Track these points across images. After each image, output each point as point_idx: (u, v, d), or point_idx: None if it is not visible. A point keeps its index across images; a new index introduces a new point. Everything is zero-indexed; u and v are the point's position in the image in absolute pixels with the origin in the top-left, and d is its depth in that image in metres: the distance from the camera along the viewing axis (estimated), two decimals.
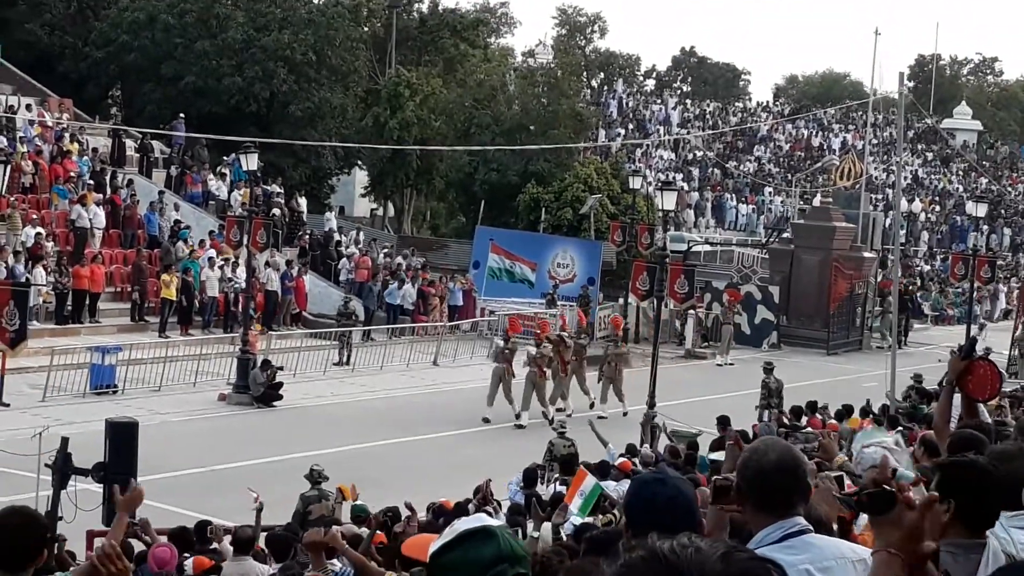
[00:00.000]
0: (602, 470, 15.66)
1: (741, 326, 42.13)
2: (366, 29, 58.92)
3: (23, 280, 28.08)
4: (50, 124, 39.40)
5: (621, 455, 18.09)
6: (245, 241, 31.67)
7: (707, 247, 51.14)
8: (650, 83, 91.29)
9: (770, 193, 65.17)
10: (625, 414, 27.81)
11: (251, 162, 31.16)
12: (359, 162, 56.56)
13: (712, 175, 66.64)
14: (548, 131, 49.58)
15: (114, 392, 27.67)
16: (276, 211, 39.97)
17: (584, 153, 52.80)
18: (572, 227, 46.21)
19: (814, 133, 75.33)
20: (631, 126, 71.37)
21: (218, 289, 35.24)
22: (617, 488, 14.12)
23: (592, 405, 28.50)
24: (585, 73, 73.41)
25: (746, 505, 4.23)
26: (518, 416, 27.59)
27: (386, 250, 42.80)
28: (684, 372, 36.33)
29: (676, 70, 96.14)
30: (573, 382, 29.08)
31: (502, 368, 28.14)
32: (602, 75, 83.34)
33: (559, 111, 51.47)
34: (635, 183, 42.67)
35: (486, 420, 27.43)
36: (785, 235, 47.39)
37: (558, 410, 27.84)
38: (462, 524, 3.05)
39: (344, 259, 41.54)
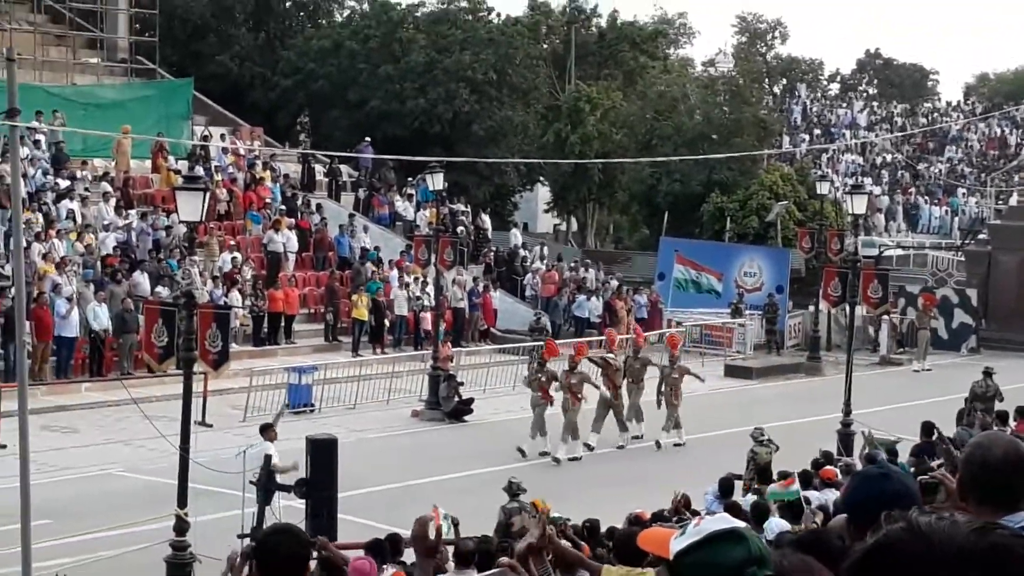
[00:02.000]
0: (804, 478, 15.36)
1: (938, 331, 40.99)
2: (545, 46, 59.24)
3: (220, 304, 28.97)
4: (242, 152, 40.58)
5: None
6: (433, 260, 32.09)
7: (899, 251, 49.91)
8: (834, 87, 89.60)
9: (963, 194, 63.27)
10: (678, 445, 26.29)
11: (437, 182, 31.53)
12: (541, 178, 56.84)
13: (902, 178, 65.05)
14: (731, 139, 49.03)
15: (311, 411, 28.30)
16: (462, 229, 40.46)
17: (769, 160, 52.09)
18: (758, 235, 45.60)
19: (1008, 131, 72.94)
20: (816, 131, 70.15)
21: (407, 308, 35.80)
22: (820, 497, 13.86)
23: (626, 437, 26.48)
24: (767, 80, 72.43)
25: (969, 500, 4.14)
26: (546, 453, 24.94)
27: (572, 264, 42.89)
28: (880, 379, 35.49)
29: (861, 73, 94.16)
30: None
31: (537, 396, 25.49)
32: (784, 81, 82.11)
33: (742, 119, 50.90)
34: (822, 188, 41.86)
35: (521, 451, 24.73)
36: (981, 236, 45.94)
37: (585, 445, 25.82)
38: (709, 524, 2.97)
39: (529, 274, 41.80)
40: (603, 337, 37.74)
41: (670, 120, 51.79)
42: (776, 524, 12.40)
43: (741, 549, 2.92)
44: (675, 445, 26.39)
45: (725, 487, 16.31)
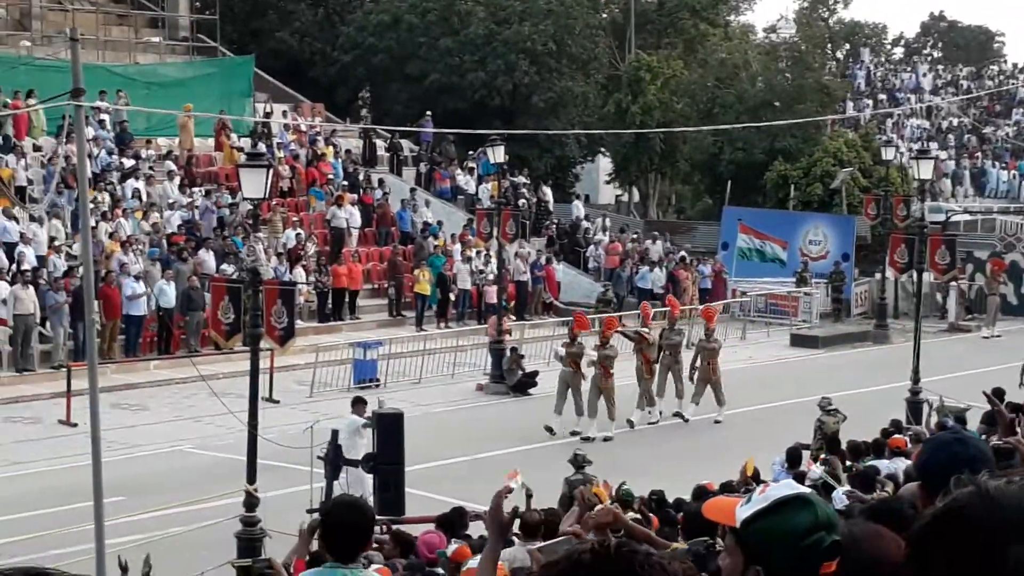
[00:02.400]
0: (876, 448, 15.23)
1: (1007, 296, 40.50)
2: (604, 15, 58.87)
3: (286, 280, 29.14)
4: (304, 129, 40.73)
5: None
6: (495, 233, 32.10)
7: (967, 216, 49.27)
8: (898, 51, 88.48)
9: None
10: (717, 422, 25.80)
11: (498, 155, 31.51)
12: (602, 149, 56.59)
13: (968, 142, 64.16)
14: (794, 106, 48.56)
15: (377, 386, 28.42)
16: (523, 202, 40.42)
17: (832, 126, 51.53)
18: (823, 203, 45.18)
19: None
20: (881, 96, 69.34)
21: (470, 282, 35.85)
22: (889, 466, 13.74)
23: (681, 412, 26.08)
24: (830, 45, 71.54)
25: None
26: (580, 432, 24.23)
27: (635, 235, 42.73)
28: (948, 346, 35.12)
29: (925, 36, 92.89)
30: (669, 382, 26.34)
31: (568, 372, 24.84)
32: (847, 46, 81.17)
33: (804, 85, 50.38)
34: (888, 154, 41.38)
35: (549, 430, 24.26)
36: None
37: (650, 419, 25.58)
38: (775, 491, 2.95)
39: (592, 246, 41.71)
40: (665, 308, 37.78)
41: (732, 88, 51.34)
42: (844, 495, 12.30)
43: (808, 514, 2.90)
44: (715, 422, 25.82)
45: (793, 457, 16.23)
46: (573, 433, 24.38)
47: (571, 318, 28.10)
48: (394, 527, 12.95)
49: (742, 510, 2.96)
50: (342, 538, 5.74)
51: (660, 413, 26.00)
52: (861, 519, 4.42)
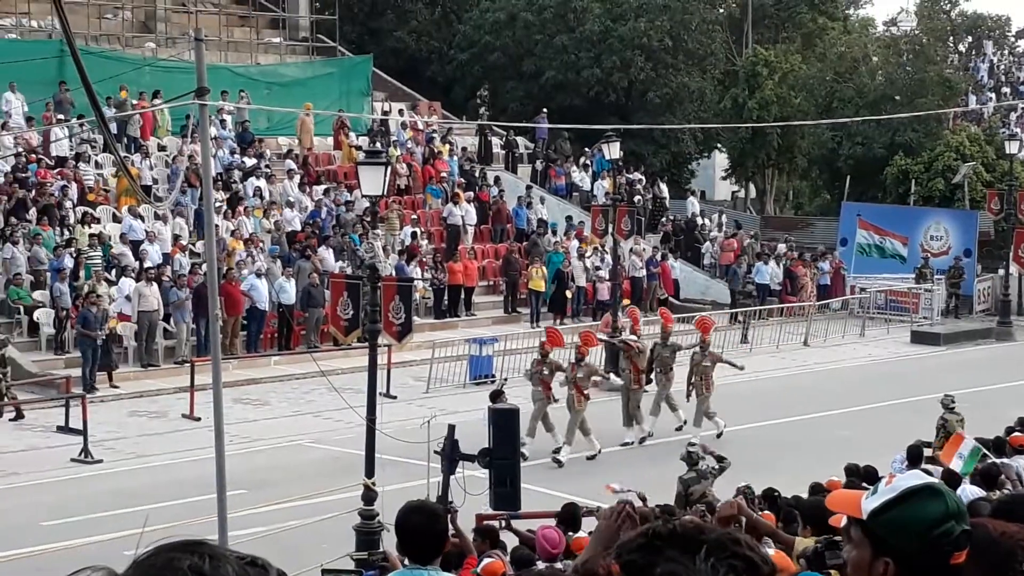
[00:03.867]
0: (996, 445, 14.94)
1: None
2: (722, 11, 58.43)
3: (404, 276, 29.41)
4: (421, 127, 41.06)
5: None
6: (610, 230, 32.05)
7: None
8: (1022, 44, 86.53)
9: None
10: (719, 435, 23.48)
11: (613, 151, 31.45)
12: (719, 145, 56.23)
13: None
14: (915, 100, 47.73)
15: (492, 382, 28.52)
16: (638, 198, 40.30)
17: (954, 120, 50.57)
18: (944, 198, 44.39)
19: None
20: (1004, 89, 67.84)
21: (585, 278, 35.84)
22: (1009, 463, 13.48)
23: (681, 427, 23.85)
24: (952, 38, 70.22)
25: None
26: (556, 451, 22.23)
27: (752, 234, 42.32)
28: None
29: None
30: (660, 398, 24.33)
31: (538, 391, 22.72)
32: (970, 39, 79.62)
33: (926, 79, 49.48)
34: (1012, 148, 40.49)
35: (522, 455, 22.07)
36: None
37: (641, 438, 23.67)
38: (903, 481, 2.94)
39: (708, 243, 41.44)
40: (780, 304, 37.41)
41: (851, 82, 50.66)
42: (969, 491, 12.10)
43: (939, 504, 2.88)
44: (717, 436, 23.46)
45: (914, 454, 15.98)
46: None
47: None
48: (484, 523, 13.08)
49: (869, 501, 2.94)
50: (417, 542, 5.93)
51: (650, 433, 23.92)
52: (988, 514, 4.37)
